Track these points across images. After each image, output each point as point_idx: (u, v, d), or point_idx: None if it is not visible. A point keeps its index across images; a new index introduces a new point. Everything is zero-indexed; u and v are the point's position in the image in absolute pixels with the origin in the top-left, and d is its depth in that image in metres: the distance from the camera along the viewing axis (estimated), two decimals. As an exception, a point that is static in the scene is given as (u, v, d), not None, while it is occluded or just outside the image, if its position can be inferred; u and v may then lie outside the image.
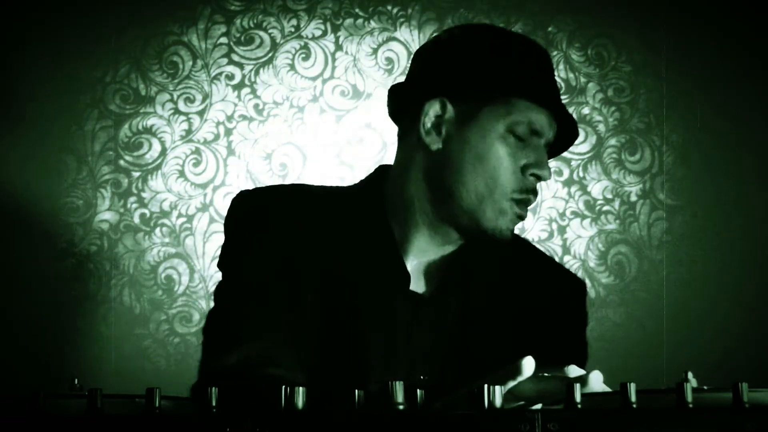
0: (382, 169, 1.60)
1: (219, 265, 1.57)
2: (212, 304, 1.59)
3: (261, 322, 1.44)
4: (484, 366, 1.35)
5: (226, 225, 1.58)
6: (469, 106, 1.47)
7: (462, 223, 1.49)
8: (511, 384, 1.06)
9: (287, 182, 2.55)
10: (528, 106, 1.46)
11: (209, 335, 1.52)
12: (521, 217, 1.49)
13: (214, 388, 0.87)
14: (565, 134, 1.54)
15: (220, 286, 1.55)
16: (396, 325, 1.47)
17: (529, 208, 1.52)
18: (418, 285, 1.52)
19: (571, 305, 1.61)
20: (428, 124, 1.49)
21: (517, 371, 1.06)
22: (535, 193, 1.49)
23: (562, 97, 2.62)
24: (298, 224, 1.49)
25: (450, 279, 1.52)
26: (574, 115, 2.64)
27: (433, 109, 1.49)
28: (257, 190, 1.62)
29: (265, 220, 1.51)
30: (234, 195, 1.61)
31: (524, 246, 1.68)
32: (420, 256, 1.52)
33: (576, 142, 2.53)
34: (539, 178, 1.47)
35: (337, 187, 1.65)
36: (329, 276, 1.46)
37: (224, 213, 2.51)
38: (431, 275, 1.53)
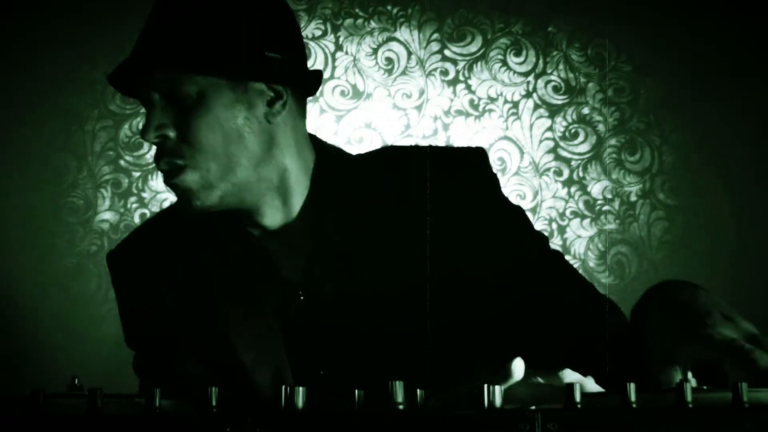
0: None
1: (122, 321, 1.59)
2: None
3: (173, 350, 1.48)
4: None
5: (113, 285, 1.57)
6: None
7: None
8: (504, 387, 1.05)
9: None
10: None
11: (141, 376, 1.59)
12: (175, 186, 1.38)
13: (214, 388, 0.87)
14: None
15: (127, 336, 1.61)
16: (277, 317, 1.42)
17: (174, 171, 1.37)
18: (292, 272, 1.44)
19: (468, 176, 1.43)
20: None
21: (507, 375, 1.05)
22: (161, 155, 1.37)
23: (562, 97, 2.63)
24: (161, 253, 1.49)
25: (316, 260, 1.42)
26: (573, 116, 2.65)
27: None
28: (117, 246, 1.60)
29: (134, 266, 1.51)
30: None
31: (387, 153, 1.57)
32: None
33: (576, 141, 2.52)
34: (151, 143, 1.38)
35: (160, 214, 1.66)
36: (211, 288, 1.45)
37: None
38: (299, 260, 1.44)
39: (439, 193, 1.39)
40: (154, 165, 2.28)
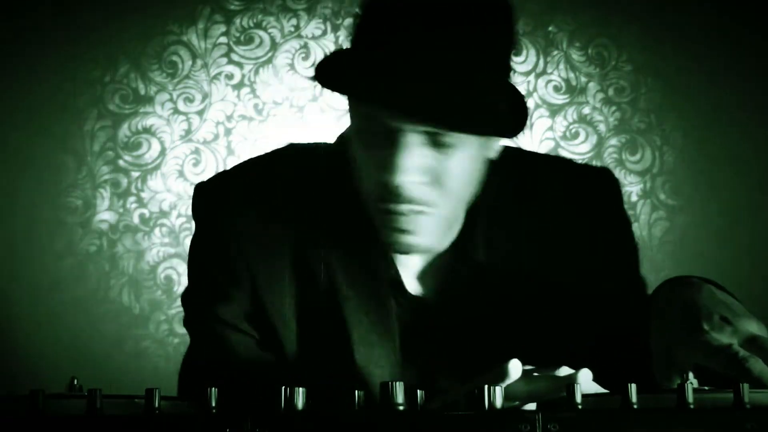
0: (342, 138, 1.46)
1: (190, 254, 1.45)
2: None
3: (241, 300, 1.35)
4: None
5: (194, 216, 1.47)
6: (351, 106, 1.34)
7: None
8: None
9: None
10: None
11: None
12: (406, 231, 1.25)
13: (214, 388, 0.87)
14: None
15: (187, 288, 1.46)
16: (382, 319, 1.35)
17: (419, 219, 1.25)
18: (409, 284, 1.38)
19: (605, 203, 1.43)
20: None
21: (504, 374, 1.05)
22: (404, 200, 1.23)
23: (562, 97, 2.63)
24: (263, 203, 1.39)
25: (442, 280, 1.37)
26: (574, 115, 2.65)
27: None
28: (216, 177, 1.51)
29: (230, 204, 1.41)
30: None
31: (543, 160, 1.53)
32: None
33: (576, 141, 2.52)
34: (393, 184, 1.23)
35: (308, 144, 1.51)
36: (310, 259, 1.34)
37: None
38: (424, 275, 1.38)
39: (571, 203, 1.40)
40: (153, 166, 2.26)
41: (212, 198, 1.44)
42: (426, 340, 1.35)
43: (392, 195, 1.23)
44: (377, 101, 1.20)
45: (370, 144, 1.25)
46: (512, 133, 1.25)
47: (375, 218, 1.28)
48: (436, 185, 1.24)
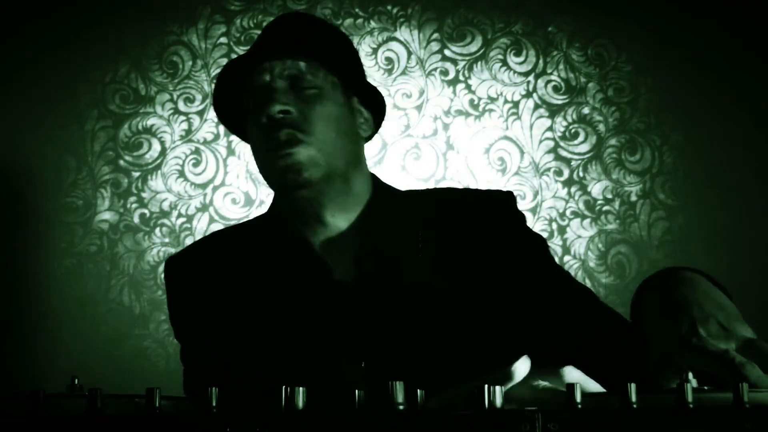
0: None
1: (173, 328, 1.69)
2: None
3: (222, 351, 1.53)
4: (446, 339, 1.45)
5: (167, 292, 1.69)
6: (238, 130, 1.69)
7: (275, 188, 1.61)
8: (504, 389, 1.05)
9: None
10: (245, 77, 1.58)
11: (191, 389, 1.62)
12: (289, 154, 1.52)
13: (214, 388, 0.87)
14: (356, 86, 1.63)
15: (180, 339, 1.68)
16: (328, 315, 1.52)
17: (297, 142, 1.52)
18: (344, 273, 1.57)
19: (502, 218, 1.62)
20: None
21: (509, 376, 1.05)
22: (285, 126, 1.52)
23: (562, 97, 2.63)
24: (223, 265, 1.60)
25: (357, 250, 1.58)
26: (573, 116, 2.65)
27: None
28: (179, 253, 1.72)
29: (194, 274, 1.62)
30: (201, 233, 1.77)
31: (428, 193, 1.75)
32: (322, 238, 1.61)
33: (576, 141, 2.52)
34: (272, 117, 1.53)
35: (246, 221, 1.78)
36: (263, 293, 1.55)
37: (225, 213, 2.53)
38: (334, 255, 1.59)
39: (470, 226, 1.59)
40: (154, 166, 2.28)
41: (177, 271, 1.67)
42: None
43: (273, 125, 1.52)
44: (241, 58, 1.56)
45: (257, 117, 1.55)
46: (371, 109, 1.65)
47: (269, 164, 1.55)
48: (304, 120, 1.53)
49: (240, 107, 1.61)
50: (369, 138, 1.68)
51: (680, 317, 1.18)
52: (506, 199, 1.65)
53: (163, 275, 1.69)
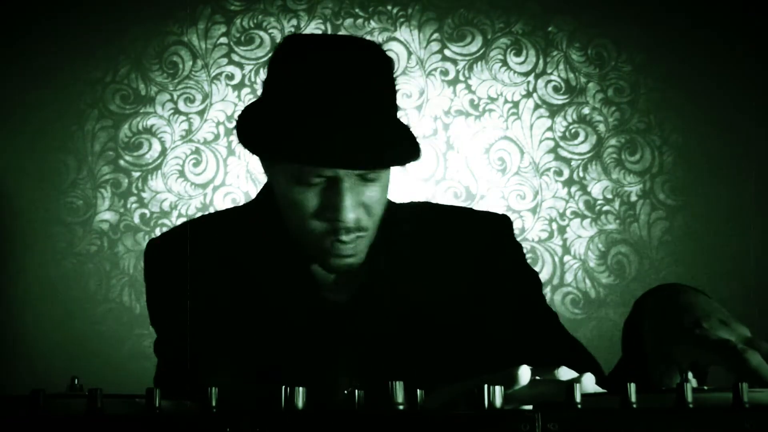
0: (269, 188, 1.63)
1: (150, 314, 1.62)
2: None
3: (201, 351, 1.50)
4: (444, 350, 1.47)
5: (145, 276, 1.62)
6: (269, 162, 1.52)
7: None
8: (506, 393, 1.06)
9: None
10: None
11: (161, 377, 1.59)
12: (348, 256, 1.48)
13: (214, 388, 0.87)
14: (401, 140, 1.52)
15: (157, 340, 1.62)
16: (316, 335, 1.52)
17: (360, 240, 1.48)
18: (336, 294, 1.56)
19: (495, 241, 1.62)
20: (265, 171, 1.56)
21: (513, 380, 1.06)
22: (350, 230, 1.46)
23: (562, 97, 2.63)
24: (206, 252, 1.55)
25: (365, 282, 1.55)
26: (573, 116, 2.65)
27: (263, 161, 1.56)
28: (162, 235, 1.67)
29: (176, 260, 1.56)
30: (195, 217, 1.77)
31: (424, 207, 1.74)
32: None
33: (576, 141, 2.52)
34: (341, 221, 1.45)
35: (233, 207, 1.74)
36: (246, 292, 1.53)
37: (224, 213, 2.53)
38: (344, 282, 1.56)
39: (468, 251, 1.59)
40: (154, 166, 2.28)
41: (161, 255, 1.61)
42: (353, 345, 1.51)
43: (340, 229, 1.45)
44: (314, 161, 1.43)
45: (305, 191, 1.46)
46: (417, 157, 1.54)
47: (316, 250, 1.49)
48: (367, 214, 1.48)
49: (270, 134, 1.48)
50: None
51: (683, 315, 1.21)
52: (507, 224, 1.64)
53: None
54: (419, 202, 1.75)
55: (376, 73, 1.48)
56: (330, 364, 1.50)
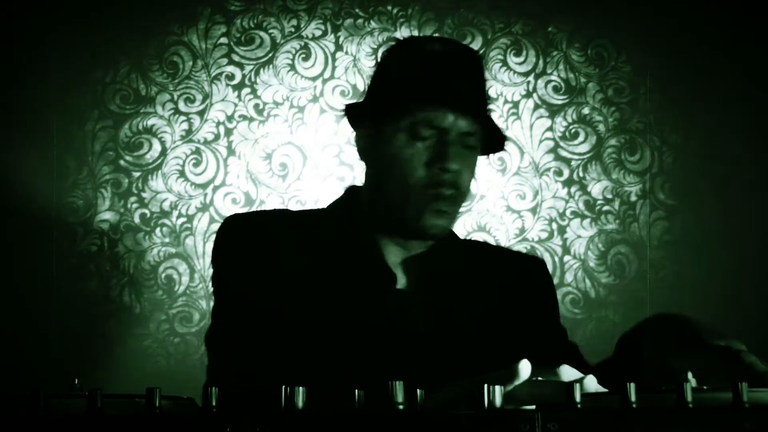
0: (352, 189, 1.76)
1: (213, 285, 1.70)
2: (212, 304, 1.66)
3: (257, 335, 1.54)
4: (470, 359, 1.52)
5: (216, 247, 1.71)
6: (378, 122, 1.65)
7: (398, 226, 1.63)
8: (508, 388, 1.06)
9: (287, 183, 2.55)
10: (423, 106, 1.60)
11: (214, 352, 1.63)
12: (444, 213, 1.61)
13: (214, 388, 0.87)
14: (490, 133, 1.67)
15: (216, 306, 1.68)
16: (386, 322, 1.57)
17: (455, 203, 1.62)
18: (400, 283, 1.65)
19: (535, 282, 1.76)
20: (360, 148, 1.71)
21: (514, 375, 1.06)
22: (449, 185, 1.59)
23: (562, 97, 2.63)
24: (283, 243, 1.63)
25: (427, 276, 1.65)
26: (573, 116, 2.65)
27: (359, 134, 1.71)
28: (243, 214, 1.77)
29: (253, 241, 1.64)
30: (225, 217, 1.77)
31: (482, 246, 1.91)
32: (396, 257, 1.66)
33: (576, 141, 2.53)
34: (445, 170, 1.58)
35: (313, 209, 1.86)
36: (319, 286, 1.58)
37: (225, 213, 2.53)
38: (409, 274, 1.65)
39: (513, 284, 1.72)
40: (154, 166, 2.27)
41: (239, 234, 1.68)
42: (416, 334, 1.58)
43: (444, 181, 1.58)
44: (438, 102, 1.59)
45: (417, 143, 1.59)
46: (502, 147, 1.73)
47: (418, 205, 1.59)
48: (462, 178, 1.61)
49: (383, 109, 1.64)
50: None
51: (680, 330, 1.30)
52: (544, 265, 1.82)
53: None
54: (474, 241, 1.95)
55: (477, 64, 1.66)
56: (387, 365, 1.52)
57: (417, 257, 1.66)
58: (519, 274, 1.74)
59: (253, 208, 2.55)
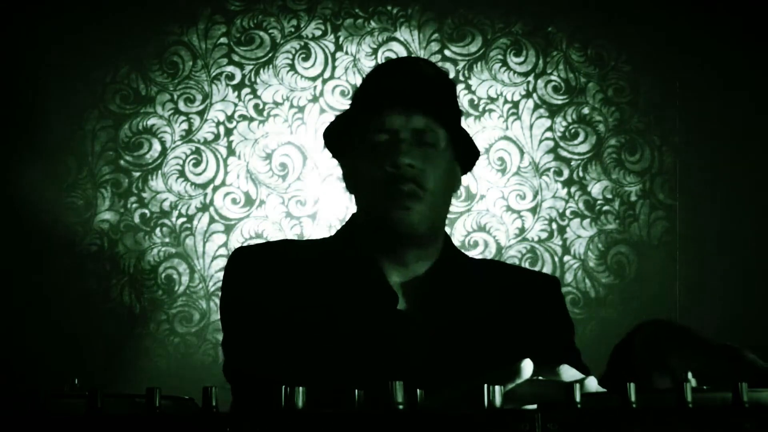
0: (353, 216, 1.80)
1: (223, 317, 1.74)
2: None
3: (267, 360, 1.59)
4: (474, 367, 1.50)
5: (226, 280, 1.75)
6: (347, 145, 1.76)
7: (383, 230, 1.67)
8: (509, 386, 1.06)
9: (287, 183, 2.56)
10: (377, 112, 1.68)
11: (235, 384, 1.68)
12: (408, 208, 1.64)
13: (213, 388, 0.87)
14: (460, 140, 1.74)
15: (226, 338, 1.73)
16: (386, 341, 1.60)
17: (417, 199, 1.65)
18: (400, 304, 1.68)
19: (548, 299, 1.79)
20: (344, 177, 1.79)
21: (516, 373, 1.06)
22: (407, 180, 1.64)
23: (562, 97, 2.63)
24: (289, 272, 1.68)
25: (429, 295, 1.68)
26: (573, 116, 2.65)
27: (340, 165, 1.81)
28: (250, 247, 1.84)
29: (260, 274, 1.68)
30: (233, 250, 1.80)
31: (492, 265, 1.97)
32: (399, 278, 1.71)
33: (576, 141, 2.53)
34: (397, 166, 1.63)
35: (317, 239, 1.90)
36: (325, 311, 1.62)
37: (225, 213, 2.53)
38: (410, 295, 1.69)
39: (523, 302, 1.73)
40: (154, 166, 2.27)
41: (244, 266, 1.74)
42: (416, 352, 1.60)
43: (398, 176, 1.63)
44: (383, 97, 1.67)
45: (374, 152, 1.67)
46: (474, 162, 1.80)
47: (384, 203, 1.65)
48: (423, 175, 1.64)
49: (347, 133, 1.73)
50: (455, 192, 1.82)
51: (679, 331, 1.32)
52: (556, 284, 1.84)
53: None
54: (481, 259, 1.98)
55: (443, 82, 1.77)
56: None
57: (418, 278, 1.69)
58: (529, 294, 1.75)
59: (253, 208, 2.55)
